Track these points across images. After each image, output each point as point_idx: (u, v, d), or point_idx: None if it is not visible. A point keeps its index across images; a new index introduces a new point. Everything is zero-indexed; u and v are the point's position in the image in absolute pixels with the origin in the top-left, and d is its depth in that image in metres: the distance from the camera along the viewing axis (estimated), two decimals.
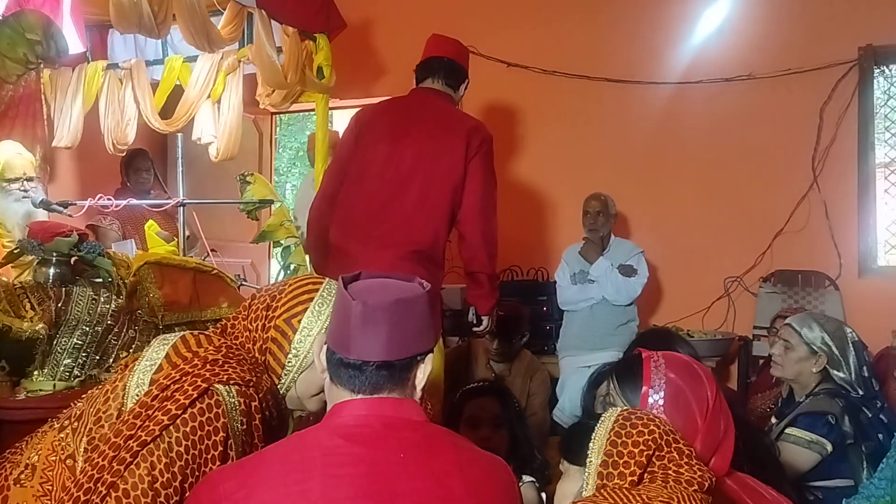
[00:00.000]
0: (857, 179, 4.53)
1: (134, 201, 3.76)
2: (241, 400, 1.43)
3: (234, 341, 1.56)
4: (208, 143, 4.15)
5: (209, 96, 4.12)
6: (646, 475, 1.31)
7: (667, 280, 4.85)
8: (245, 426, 1.43)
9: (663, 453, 1.32)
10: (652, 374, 1.57)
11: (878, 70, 4.58)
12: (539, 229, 5.09)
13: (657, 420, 1.38)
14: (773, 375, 2.90)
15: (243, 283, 3.33)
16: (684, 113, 4.87)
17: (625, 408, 1.47)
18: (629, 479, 1.30)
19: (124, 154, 4.53)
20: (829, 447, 2.51)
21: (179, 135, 3.96)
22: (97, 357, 2.55)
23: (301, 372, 1.55)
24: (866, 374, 2.65)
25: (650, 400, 1.55)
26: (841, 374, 2.63)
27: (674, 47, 4.90)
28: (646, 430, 1.34)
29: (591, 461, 1.34)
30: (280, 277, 3.58)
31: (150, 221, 3.66)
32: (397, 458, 1.22)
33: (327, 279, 1.63)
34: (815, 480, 2.55)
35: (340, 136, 3.38)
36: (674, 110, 4.89)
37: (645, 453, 1.32)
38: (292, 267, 3.48)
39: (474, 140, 3.10)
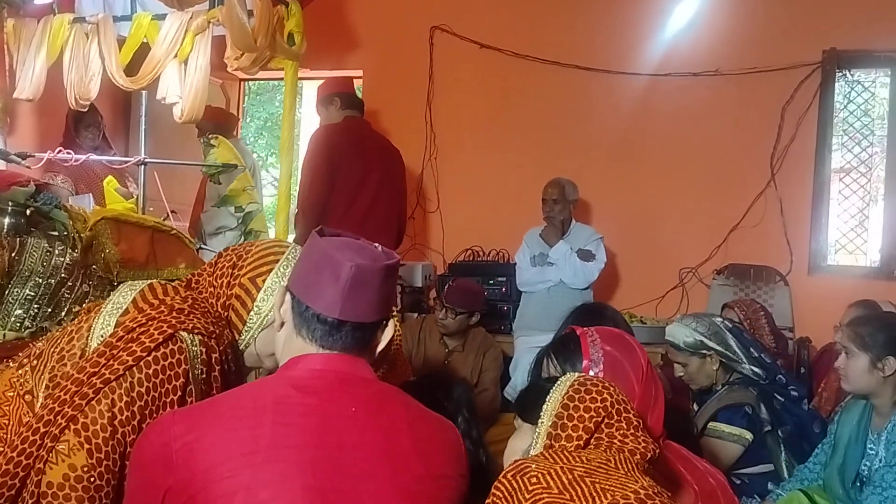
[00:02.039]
0: (812, 180, 4.65)
1: (94, 157, 3.70)
2: (204, 350, 1.46)
3: (198, 295, 1.59)
4: (173, 103, 4.08)
5: (176, 56, 4.05)
6: (592, 441, 1.35)
7: (624, 267, 4.94)
8: (205, 375, 1.47)
9: (612, 421, 1.37)
10: (590, 349, 1.64)
11: (839, 73, 4.68)
12: (501, 211, 5.13)
13: (611, 389, 1.42)
14: None
15: (202, 246, 3.31)
16: (651, 105, 4.94)
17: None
18: (576, 442, 1.34)
19: (77, 110, 4.41)
20: (750, 436, 2.61)
21: (144, 93, 3.90)
22: (49, 309, 2.52)
23: (262, 330, 1.59)
24: (756, 354, 2.74)
25: (591, 373, 1.62)
26: (741, 366, 2.71)
27: (644, 39, 4.96)
28: (598, 398, 1.38)
29: (542, 422, 1.38)
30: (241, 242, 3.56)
31: (110, 177, 3.61)
32: (348, 412, 1.24)
33: (293, 245, 1.69)
34: (740, 468, 2.66)
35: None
36: (641, 101, 4.95)
37: (594, 420, 1.36)
38: (253, 233, 3.48)
39: (401, 159, 4.37)
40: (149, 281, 1.56)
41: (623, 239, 4.82)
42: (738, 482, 2.65)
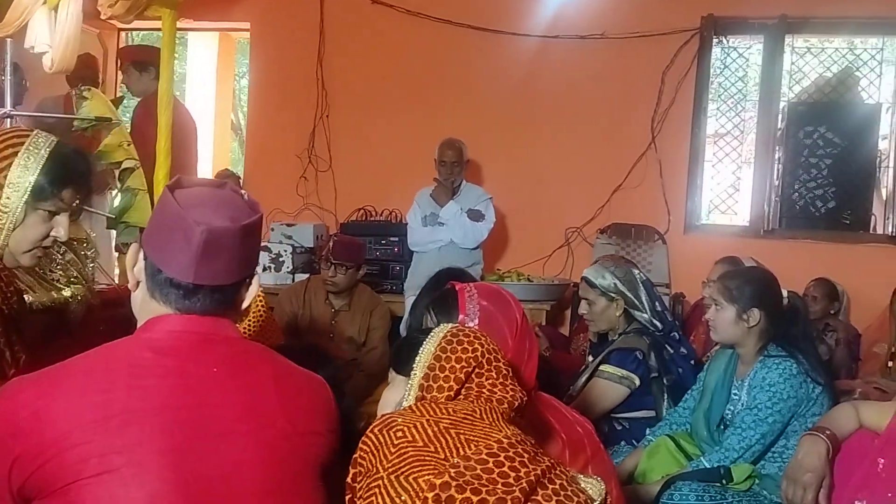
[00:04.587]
0: (689, 143, 4.86)
1: None
2: None
3: None
4: (42, 52, 3.84)
5: (45, 2, 3.80)
6: (463, 391, 1.37)
7: (513, 227, 5.05)
8: None
9: (482, 371, 1.38)
10: (467, 304, 1.67)
11: (716, 40, 4.88)
12: (394, 171, 5.12)
13: (483, 339, 1.43)
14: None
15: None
16: (540, 66, 5.02)
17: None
18: (446, 392, 1.35)
19: None
20: (637, 381, 2.74)
21: (9, 41, 3.66)
22: None
23: (14, 228, 1.54)
24: (659, 308, 2.92)
25: None
26: (641, 315, 2.86)
27: (534, 1, 5.01)
28: (470, 348, 1.39)
29: (415, 374, 1.39)
30: (117, 201, 3.42)
31: None
32: (209, 372, 1.20)
33: (36, 131, 1.62)
34: (622, 412, 2.79)
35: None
36: (531, 63, 5.02)
37: (465, 370, 1.37)
38: (131, 191, 3.34)
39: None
40: None
41: (512, 199, 4.92)
42: (619, 427, 2.80)
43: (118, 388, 1.13)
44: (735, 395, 2.55)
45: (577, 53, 4.93)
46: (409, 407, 1.32)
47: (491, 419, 1.29)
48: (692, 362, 2.91)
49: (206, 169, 5.57)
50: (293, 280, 4.52)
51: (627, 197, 4.87)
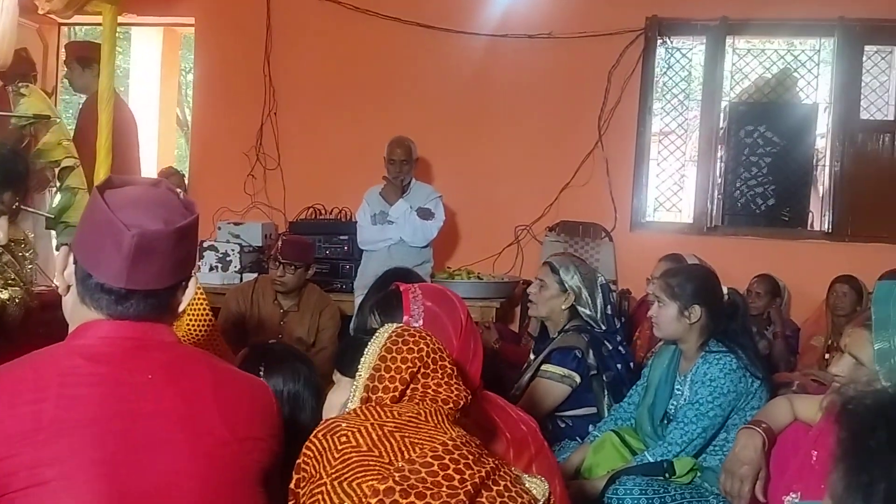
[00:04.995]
0: (635, 141, 4.94)
1: None
2: None
3: None
4: None
5: None
6: (408, 391, 1.36)
7: (463, 225, 5.07)
8: None
9: (428, 371, 1.38)
10: (411, 304, 1.67)
11: (660, 40, 4.97)
12: (343, 168, 5.09)
13: (428, 339, 1.43)
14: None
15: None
16: (489, 65, 5.04)
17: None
18: (392, 393, 1.34)
19: None
20: (578, 379, 2.79)
21: None
22: None
23: None
24: (609, 312, 2.97)
25: None
26: (586, 311, 2.91)
27: (483, 0, 5.03)
28: (415, 348, 1.39)
29: (360, 375, 1.38)
30: (57, 200, 3.34)
31: None
32: (144, 379, 1.17)
33: None
34: (565, 410, 2.83)
35: None
36: (480, 61, 5.04)
37: (410, 370, 1.36)
38: (70, 189, 3.26)
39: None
40: None
41: (462, 197, 4.93)
42: (563, 425, 2.84)
43: (48, 397, 1.10)
44: (678, 390, 2.60)
45: (526, 53, 4.97)
46: (354, 411, 1.32)
47: (436, 421, 1.30)
48: (630, 365, 2.97)
49: (150, 166, 5.47)
50: (241, 280, 4.46)
51: (575, 195, 4.93)
